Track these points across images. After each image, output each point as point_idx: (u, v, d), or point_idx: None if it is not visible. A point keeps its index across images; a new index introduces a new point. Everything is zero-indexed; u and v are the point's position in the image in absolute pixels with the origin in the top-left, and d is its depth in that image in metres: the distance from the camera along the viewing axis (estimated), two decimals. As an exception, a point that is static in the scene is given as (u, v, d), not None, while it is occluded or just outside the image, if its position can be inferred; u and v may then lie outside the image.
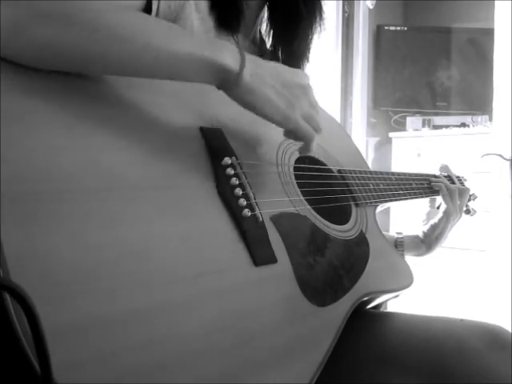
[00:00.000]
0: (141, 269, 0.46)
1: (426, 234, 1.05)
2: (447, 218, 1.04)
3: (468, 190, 1.08)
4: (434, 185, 1.07)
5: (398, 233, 1.03)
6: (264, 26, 0.88)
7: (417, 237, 1.05)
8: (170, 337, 0.45)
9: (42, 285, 0.39)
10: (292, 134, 0.66)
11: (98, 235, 0.45)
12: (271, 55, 0.86)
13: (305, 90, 0.66)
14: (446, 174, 1.14)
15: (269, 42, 0.88)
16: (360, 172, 0.89)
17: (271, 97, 0.61)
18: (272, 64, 0.65)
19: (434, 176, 1.12)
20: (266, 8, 0.84)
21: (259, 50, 0.87)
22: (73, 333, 0.39)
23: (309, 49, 0.87)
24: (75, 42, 0.49)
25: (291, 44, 0.84)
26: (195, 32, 0.72)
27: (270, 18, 0.85)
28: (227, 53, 0.58)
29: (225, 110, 0.68)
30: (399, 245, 1.00)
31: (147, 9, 0.66)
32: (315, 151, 0.70)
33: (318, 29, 0.86)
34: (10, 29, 0.45)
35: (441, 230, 1.04)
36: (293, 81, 0.64)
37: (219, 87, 0.60)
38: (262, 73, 0.61)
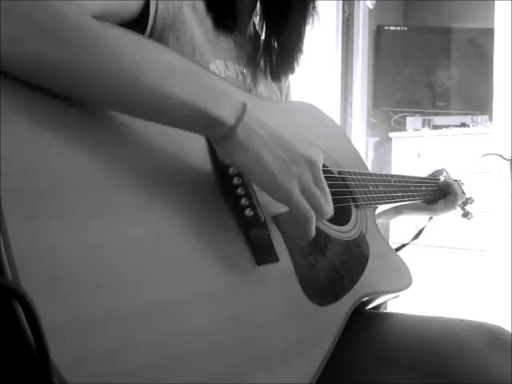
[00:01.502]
0: (145, 267, 0.46)
1: (402, 208, 1.10)
2: (432, 214, 1.11)
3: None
4: (451, 188, 1.09)
5: None
6: (257, 19, 0.88)
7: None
8: (172, 336, 0.45)
9: (48, 282, 0.39)
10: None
11: (104, 233, 0.45)
12: (265, 46, 0.86)
13: (311, 164, 0.57)
14: (443, 176, 1.16)
15: (263, 35, 0.88)
16: (360, 174, 0.89)
17: (265, 158, 0.54)
18: (279, 130, 0.58)
19: (436, 178, 1.13)
20: (258, 2, 0.84)
21: (255, 43, 0.87)
22: (77, 330, 0.39)
23: (301, 40, 0.86)
24: (63, 61, 0.46)
25: (283, 35, 0.84)
26: (195, 36, 0.72)
27: (263, 11, 0.85)
28: (227, 103, 0.53)
29: None
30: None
31: (145, 10, 0.65)
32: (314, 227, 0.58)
33: (311, 19, 0.85)
34: (2, 40, 0.43)
35: (417, 212, 1.12)
36: (298, 150, 0.56)
37: (210, 139, 0.55)
38: (261, 132, 0.54)
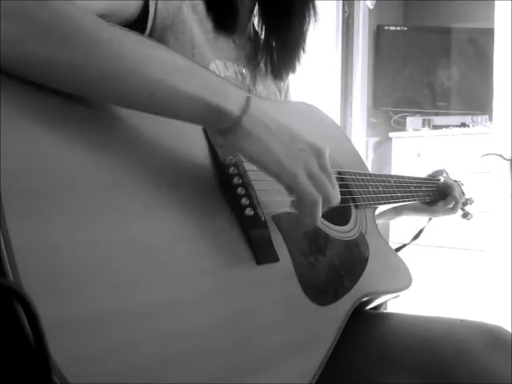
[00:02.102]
0: (146, 265, 0.47)
1: (402, 206, 1.11)
2: (431, 215, 1.11)
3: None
4: (450, 189, 1.09)
5: None
6: (256, 19, 0.88)
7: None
8: (172, 335, 0.45)
9: (49, 279, 0.39)
10: (293, 192, 0.58)
11: (105, 231, 0.45)
12: (265, 46, 0.86)
13: (318, 152, 0.59)
14: (443, 177, 1.16)
15: (262, 35, 0.88)
16: (360, 174, 0.89)
17: (270, 145, 0.56)
18: (284, 120, 0.59)
19: (436, 179, 1.13)
20: (257, 3, 0.84)
21: (254, 43, 0.87)
22: (77, 328, 0.39)
23: (304, 39, 0.87)
24: (70, 63, 0.46)
25: (285, 36, 0.84)
26: (195, 36, 0.72)
27: (262, 12, 0.85)
28: (232, 97, 0.55)
29: None
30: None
31: (144, 11, 0.65)
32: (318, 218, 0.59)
33: (313, 20, 0.86)
34: (7, 41, 0.43)
35: (417, 213, 1.13)
36: (304, 138, 0.59)
37: (217, 131, 0.56)
38: (266, 122, 0.56)
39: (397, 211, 1.11)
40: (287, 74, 0.91)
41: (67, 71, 0.46)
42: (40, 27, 0.44)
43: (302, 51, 0.88)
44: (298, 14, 0.83)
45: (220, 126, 0.55)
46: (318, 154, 0.59)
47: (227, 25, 0.78)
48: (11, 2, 0.43)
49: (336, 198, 0.60)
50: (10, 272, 0.37)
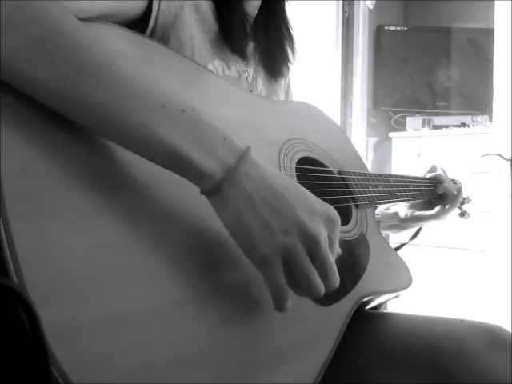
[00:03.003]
0: (151, 267, 0.47)
1: (406, 220, 1.10)
2: (437, 219, 1.09)
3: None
4: (448, 192, 1.09)
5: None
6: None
7: (395, 217, 1.10)
8: (176, 335, 0.45)
9: (52, 280, 0.39)
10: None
11: (109, 233, 0.45)
12: (258, 47, 0.87)
13: (314, 238, 0.48)
14: (439, 173, 1.15)
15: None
16: (360, 174, 0.89)
17: (247, 221, 0.47)
18: (286, 185, 0.50)
19: (436, 179, 1.13)
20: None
21: (253, 43, 0.87)
22: (83, 329, 0.39)
23: (282, 40, 0.87)
24: (51, 84, 0.43)
25: (265, 33, 0.85)
26: (194, 36, 0.73)
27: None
28: (220, 153, 0.47)
29: (228, 111, 0.68)
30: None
31: (148, 10, 0.66)
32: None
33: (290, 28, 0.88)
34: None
35: (421, 223, 1.10)
36: (296, 217, 0.48)
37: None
38: (251, 190, 0.47)
39: (402, 226, 1.10)
40: (280, 74, 0.91)
41: (46, 91, 0.44)
42: (26, 43, 0.42)
43: (285, 54, 0.88)
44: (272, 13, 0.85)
45: (198, 185, 0.48)
46: (313, 240, 0.48)
47: (242, 44, 0.79)
48: (3, 14, 0.41)
49: (322, 290, 0.49)
50: (14, 273, 0.37)
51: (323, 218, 0.50)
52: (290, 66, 0.91)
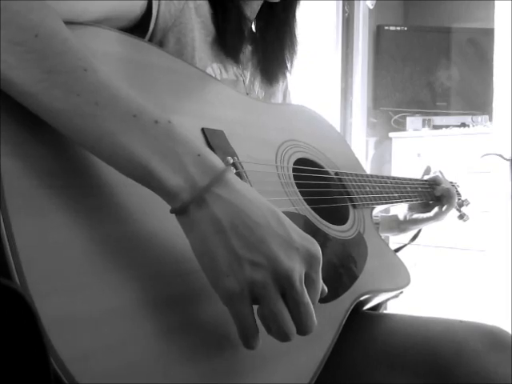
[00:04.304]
0: (151, 261, 0.47)
1: (405, 222, 1.10)
2: (435, 220, 1.10)
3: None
4: (445, 193, 1.09)
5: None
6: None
7: (394, 220, 1.11)
8: (174, 329, 0.46)
9: (53, 277, 0.40)
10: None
11: (110, 228, 0.45)
12: (256, 51, 0.86)
13: (287, 275, 0.43)
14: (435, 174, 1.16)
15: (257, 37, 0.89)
16: (357, 175, 0.90)
17: (213, 250, 0.43)
18: (265, 209, 0.45)
19: (434, 181, 1.13)
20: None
21: (251, 46, 0.87)
22: (82, 324, 0.40)
23: (285, 48, 0.87)
24: (25, 86, 0.42)
25: (269, 40, 0.85)
26: (195, 38, 0.73)
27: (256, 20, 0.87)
28: (192, 170, 0.44)
29: (227, 113, 0.69)
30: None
31: (148, 11, 0.66)
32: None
33: (295, 38, 0.88)
34: None
35: (421, 225, 1.11)
36: (272, 249, 0.43)
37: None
38: (221, 215, 0.43)
39: (400, 228, 1.11)
40: (276, 79, 0.91)
41: (20, 93, 0.43)
42: (5, 42, 0.42)
43: (287, 60, 0.88)
44: (281, 19, 0.84)
45: (166, 201, 0.45)
46: (285, 278, 0.43)
47: (236, 50, 0.79)
48: None
49: (293, 332, 0.45)
50: (15, 271, 0.38)
51: (302, 253, 0.45)
52: (287, 74, 0.92)
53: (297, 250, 0.45)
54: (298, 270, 0.44)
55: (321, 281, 0.48)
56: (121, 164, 0.44)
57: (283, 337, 0.45)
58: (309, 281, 0.46)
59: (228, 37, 0.77)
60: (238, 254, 0.43)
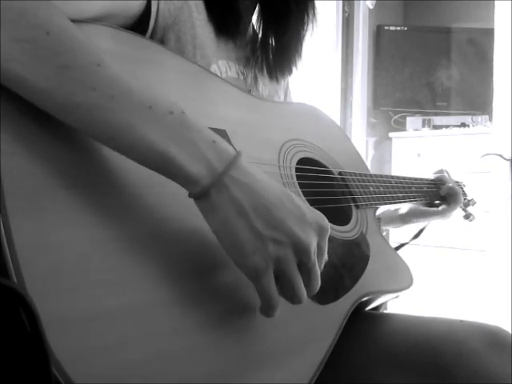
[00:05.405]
0: (151, 262, 0.47)
1: (409, 214, 1.09)
2: (441, 216, 1.10)
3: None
4: (451, 192, 1.09)
5: None
6: (255, 19, 0.88)
7: (396, 210, 1.09)
8: (173, 329, 0.46)
9: (51, 277, 0.40)
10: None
11: (110, 228, 0.45)
12: (262, 47, 0.85)
13: (304, 248, 0.48)
14: (442, 174, 1.15)
15: (260, 34, 0.88)
16: (360, 175, 0.89)
17: (236, 230, 0.46)
18: (277, 190, 0.49)
19: (439, 181, 1.13)
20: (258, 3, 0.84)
21: (253, 44, 0.86)
22: (81, 324, 0.40)
23: (300, 43, 0.86)
24: (37, 84, 0.43)
25: (281, 38, 0.83)
26: (197, 36, 0.72)
27: (262, 12, 0.84)
28: (208, 157, 0.46)
29: (229, 112, 0.69)
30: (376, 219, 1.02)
31: (147, 10, 0.65)
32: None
33: (310, 26, 0.84)
34: None
35: (423, 219, 1.10)
36: (289, 227, 0.48)
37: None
38: (241, 197, 0.46)
39: (403, 220, 1.10)
40: (282, 77, 0.90)
41: (35, 91, 0.43)
42: (14, 41, 0.42)
43: (298, 56, 0.87)
44: (295, 16, 0.82)
45: (186, 189, 0.47)
46: (304, 251, 0.48)
47: (230, 29, 0.78)
48: None
49: (304, 299, 0.51)
50: (13, 271, 0.38)
51: (314, 226, 0.50)
52: (294, 70, 0.91)
53: (310, 224, 0.50)
54: (313, 243, 0.50)
55: (327, 248, 0.53)
56: (140, 154, 0.45)
57: (297, 300, 0.50)
58: (319, 249, 0.51)
59: (221, 14, 0.75)
60: (262, 234, 0.47)
